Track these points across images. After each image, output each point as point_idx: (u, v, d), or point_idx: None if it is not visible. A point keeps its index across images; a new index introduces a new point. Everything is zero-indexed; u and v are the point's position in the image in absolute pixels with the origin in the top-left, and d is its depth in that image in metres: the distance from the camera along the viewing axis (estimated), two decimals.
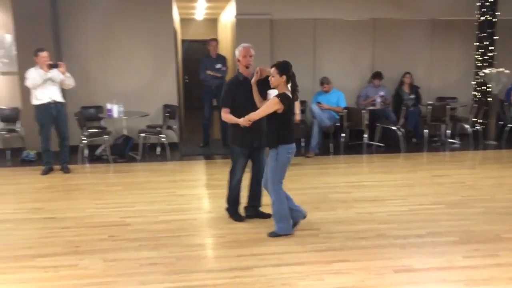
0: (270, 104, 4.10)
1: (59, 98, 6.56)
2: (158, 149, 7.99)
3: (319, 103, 7.75)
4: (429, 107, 8.24)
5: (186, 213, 5.08)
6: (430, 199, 5.41)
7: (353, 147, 8.15)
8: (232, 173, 4.72)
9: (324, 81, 7.88)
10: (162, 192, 5.76)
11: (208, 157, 7.84)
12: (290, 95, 4.14)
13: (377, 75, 8.45)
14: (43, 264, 3.81)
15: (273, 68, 4.16)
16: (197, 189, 6.11)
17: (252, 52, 4.53)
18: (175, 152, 7.96)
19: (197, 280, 3.54)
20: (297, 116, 6.75)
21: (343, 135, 7.92)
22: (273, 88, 4.25)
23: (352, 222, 4.74)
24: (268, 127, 4.26)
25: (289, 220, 4.34)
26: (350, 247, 4.12)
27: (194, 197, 5.77)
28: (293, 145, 4.30)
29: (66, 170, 6.71)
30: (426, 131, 8.31)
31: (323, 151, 7.84)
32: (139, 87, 8.16)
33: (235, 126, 4.44)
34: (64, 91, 6.79)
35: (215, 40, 8.36)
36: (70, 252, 4.04)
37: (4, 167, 7.17)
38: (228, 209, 4.83)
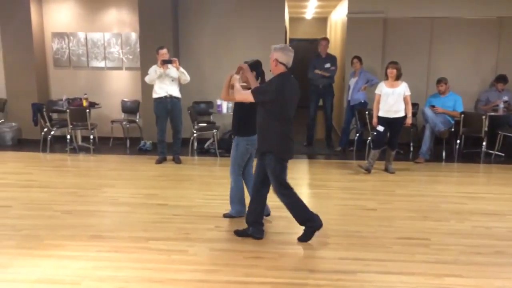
0: (247, 92, 4.06)
1: (176, 93, 6.97)
2: None
3: (433, 106, 7.30)
4: None
5: None
6: None
7: (469, 155, 7.56)
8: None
9: (442, 80, 7.35)
10: None
11: (312, 156, 7.80)
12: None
13: (501, 79, 7.73)
14: (156, 247, 4.06)
15: (245, 65, 4.28)
16: (300, 188, 6.09)
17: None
18: None
19: (299, 279, 3.53)
20: (409, 120, 6.48)
21: (458, 141, 7.39)
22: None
23: (466, 235, 4.39)
24: (235, 116, 4.53)
25: (244, 204, 4.68)
26: (464, 262, 3.82)
27: (298, 195, 5.75)
28: (253, 137, 4.43)
29: (177, 161, 7.12)
30: None
31: (434, 157, 7.39)
32: None
33: (287, 139, 4.23)
34: (180, 86, 7.20)
35: (326, 39, 8.28)
36: (180, 238, 4.26)
37: (124, 155, 7.80)
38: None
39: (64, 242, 4.13)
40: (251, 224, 4.28)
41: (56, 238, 4.23)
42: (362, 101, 7.67)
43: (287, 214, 4.95)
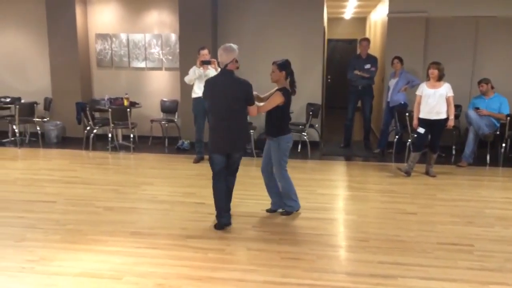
0: (276, 98, 4.52)
1: None
2: (299, 147, 8.11)
3: (477, 108, 7.05)
4: None
5: (327, 212, 5.05)
6: None
7: None
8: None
9: (482, 81, 7.10)
10: (303, 190, 5.79)
11: (349, 158, 7.69)
12: (289, 89, 4.58)
13: None
14: (194, 245, 4.11)
15: (273, 65, 4.63)
16: (338, 190, 6.03)
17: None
18: (315, 151, 7.98)
19: (338, 281, 3.49)
20: (451, 122, 6.29)
21: (503, 145, 7.11)
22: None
23: None
24: (270, 118, 4.65)
25: (297, 198, 4.84)
26: (510, 270, 3.67)
27: (335, 197, 5.70)
28: (291, 135, 4.72)
29: None
30: None
31: (478, 161, 7.15)
32: None
33: (212, 133, 4.42)
34: None
35: (367, 40, 8.15)
36: (217, 237, 4.29)
37: (162, 153, 7.94)
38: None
39: (105, 238, 4.24)
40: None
41: (98, 233, 4.35)
42: (402, 102, 7.50)
43: (324, 215, 4.93)
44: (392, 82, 7.65)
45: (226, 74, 4.36)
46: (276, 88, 4.66)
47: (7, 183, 5.98)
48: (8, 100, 8.71)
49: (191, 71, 6.93)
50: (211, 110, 4.37)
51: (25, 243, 4.12)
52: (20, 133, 8.48)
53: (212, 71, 6.88)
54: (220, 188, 4.45)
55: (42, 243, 4.13)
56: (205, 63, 6.79)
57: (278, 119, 4.62)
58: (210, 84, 4.41)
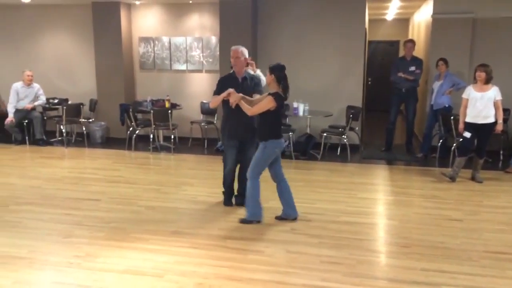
0: (265, 102, 4.47)
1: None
2: (339, 150, 8.02)
3: None
4: None
5: (368, 217, 4.97)
6: None
7: None
8: (223, 163, 5.18)
9: None
10: (343, 193, 5.75)
11: (390, 162, 7.54)
12: (282, 94, 4.51)
13: None
14: (233, 246, 4.14)
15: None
16: (378, 194, 5.92)
17: (236, 54, 4.96)
18: (355, 154, 7.87)
19: (378, 287, 3.42)
20: (499, 126, 6.06)
21: None
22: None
23: None
24: (261, 122, 4.63)
25: (260, 207, 4.68)
26: None
27: (376, 201, 5.60)
28: (282, 140, 4.66)
29: None
30: None
31: None
32: (325, 87, 8.30)
33: (226, 120, 4.97)
34: None
35: (412, 41, 7.96)
36: (257, 239, 4.31)
37: (202, 154, 8.05)
38: (223, 192, 5.29)
39: (147, 236, 4.34)
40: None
41: (141, 232, 4.45)
42: (447, 106, 7.29)
43: (365, 219, 4.85)
44: (436, 85, 7.44)
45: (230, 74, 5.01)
46: (268, 92, 4.61)
47: (55, 181, 6.22)
48: (56, 101, 9.07)
49: None
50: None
51: (72, 240, 4.27)
52: (67, 133, 8.81)
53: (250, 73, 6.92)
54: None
55: (88, 239, 4.27)
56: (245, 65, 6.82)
57: (269, 123, 4.57)
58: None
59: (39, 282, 3.52)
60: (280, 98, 4.51)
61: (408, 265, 3.78)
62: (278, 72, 4.54)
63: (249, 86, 4.95)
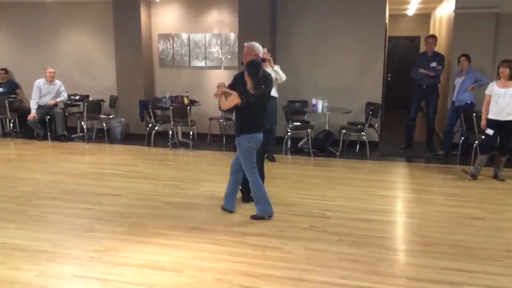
0: (231, 98, 4.57)
1: (272, 92, 7.01)
2: (358, 147, 7.96)
3: None
4: None
5: (387, 214, 4.92)
6: None
7: None
8: None
9: None
10: (362, 190, 5.71)
11: (410, 159, 7.45)
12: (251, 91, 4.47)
13: None
14: (252, 242, 4.15)
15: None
16: (398, 191, 5.86)
17: (245, 51, 4.99)
18: (374, 151, 7.80)
19: (398, 286, 3.39)
20: None
21: None
22: None
23: None
24: (235, 117, 4.82)
25: (269, 202, 4.67)
26: None
27: (395, 199, 5.55)
28: (256, 135, 4.62)
29: (271, 159, 7.20)
30: None
31: None
32: (344, 84, 8.23)
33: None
34: (277, 86, 7.25)
35: (433, 37, 7.84)
36: (275, 235, 4.31)
37: (220, 151, 8.08)
38: (240, 190, 5.19)
39: (167, 232, 4.38)
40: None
41: (160, 227, 4.50)
42: (469, 102, 7.15)
43: (384, 217, 4.81)
44: (458, 81, 7.31)
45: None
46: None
47: (76, 176, 6.33)
48: (77, 97, 9.22)
49: None
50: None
51: (93, 234, 4.34)
52: (88, 129, 8.94)
53: (268, 70, 6.90)
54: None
55: (108, 234, 4.33)
56: (262, 61, 6.81)
57: (240, 118, 4.67)
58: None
59: (61, 276, 3.59)
60: (246, 95, 4.47)
61: (428, 264, 3.74)
62: (250, 69, 4.55)
63: None
